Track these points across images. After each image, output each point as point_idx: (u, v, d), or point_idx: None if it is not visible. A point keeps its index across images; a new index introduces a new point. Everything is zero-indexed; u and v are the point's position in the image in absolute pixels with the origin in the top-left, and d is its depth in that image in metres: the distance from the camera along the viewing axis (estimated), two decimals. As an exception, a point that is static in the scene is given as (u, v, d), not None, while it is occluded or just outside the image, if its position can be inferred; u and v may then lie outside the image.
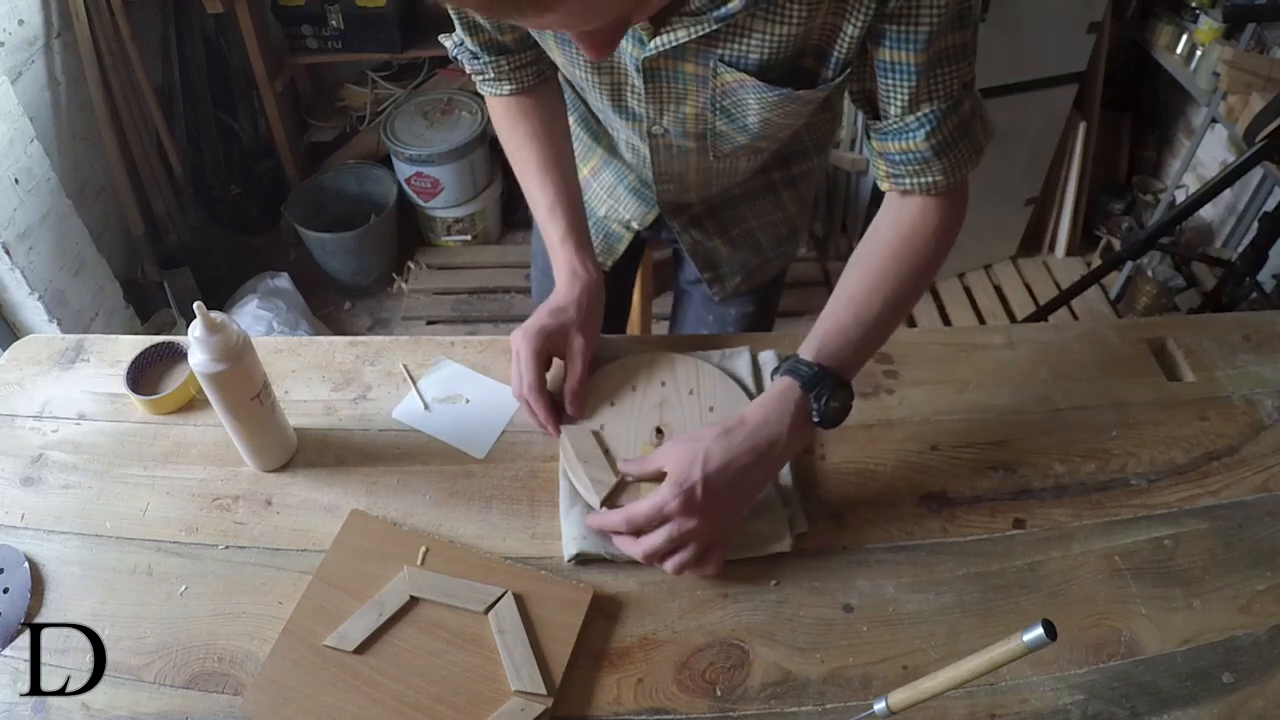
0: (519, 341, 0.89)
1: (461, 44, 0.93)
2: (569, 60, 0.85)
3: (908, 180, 0.82)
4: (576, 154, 1.09)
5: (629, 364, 0.99)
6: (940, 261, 0.86)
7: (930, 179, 0.81)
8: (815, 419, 0.80)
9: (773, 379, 0.84)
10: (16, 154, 1.88)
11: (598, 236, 1.17)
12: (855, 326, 0.82)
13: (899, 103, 0.77)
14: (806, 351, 0.81)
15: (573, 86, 1.03)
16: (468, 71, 0.96)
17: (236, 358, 0.81)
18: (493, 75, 0.94)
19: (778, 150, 1.06)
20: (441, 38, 0.97)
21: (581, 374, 0.91)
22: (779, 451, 0.79)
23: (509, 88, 0.95)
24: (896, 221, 0.84)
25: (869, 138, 0.83)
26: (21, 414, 0.98)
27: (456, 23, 0.91)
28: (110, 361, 1.03)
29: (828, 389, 0.79)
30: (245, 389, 0.84)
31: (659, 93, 0.84)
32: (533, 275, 1.40)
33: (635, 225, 1.14)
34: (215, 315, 0.80)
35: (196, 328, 0.79)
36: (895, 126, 0.79)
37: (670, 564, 0.78)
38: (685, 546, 0.78)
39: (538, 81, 0.96)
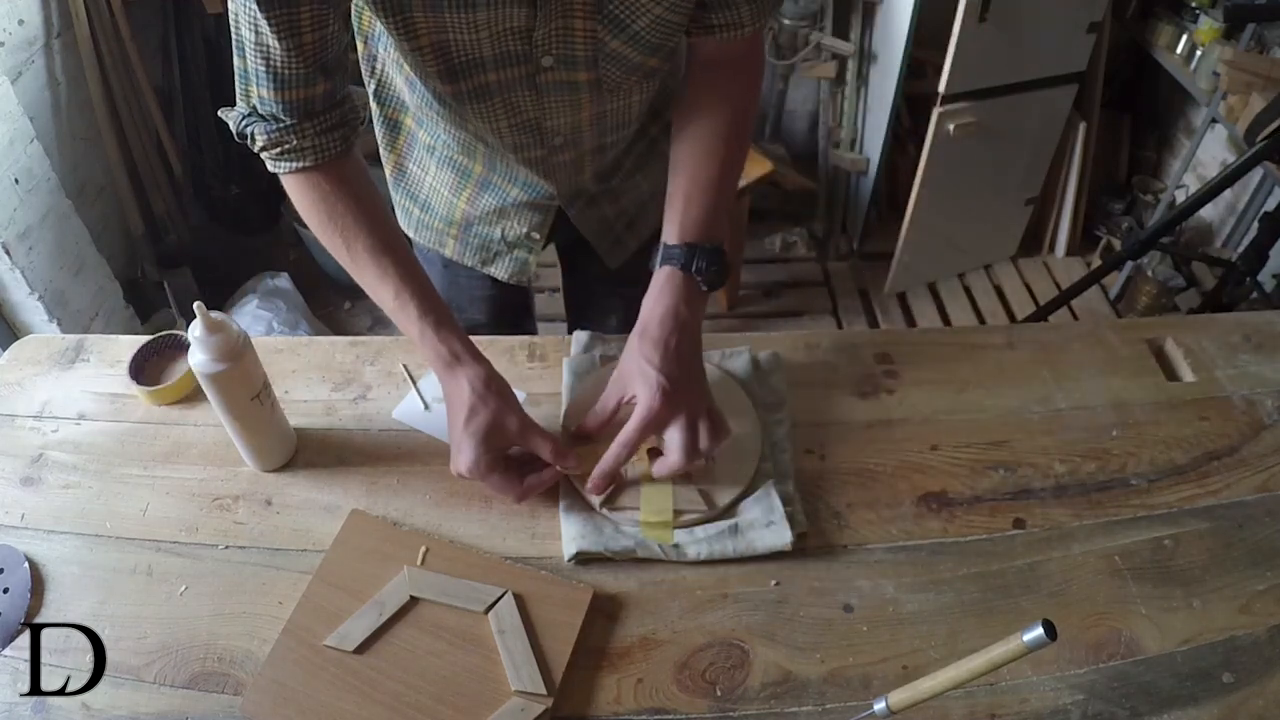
0: (474, 473, 0.83)
1: (252, 113, 0.82)
2: (446, 35, 0.79)
3: (719, 30, 0.87)
4: (449, 185, 1.07)
5: (629, 364, 0.99)
6: (754, 109, 0.96)
7: (739, 23, 0.87)
8: (703, 287, 0.89)
9: (653, 269, 0.90)
10: (16, 154, 1.88)
11: (505, 263, 1.14)
12: (701, 194, 0.90)
13: None
14: (670, 236, 0.89)
15: (434, 103, 0.95)
16: (259, 147, 0.83)
17: (236, 358, 0.81)
18: (294, 144, 0.82)
19: (651, 100, 1.03)
20: (222, 112, 0.85)
21: (556, 447, 0.86)
22: (692, 323, 0.88)
23: (311, 159, 0.83)
24: (711, 83, 0.92)
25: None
26: (21, 414, 0.98)
27: (258, 80, 0.79)
28: (110, 361, 1.03)
29: (703, 258, 0.88)
30: (245, 389, 0.84)
31: (549, 11, 0.79)
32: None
33: (536, 235, 1.10)
34: (215, 315, 0.80)
35: (196, 328, 0.79)
36: None
37: (702, 446, 0.84)
38: (692, 431, 0.83)
39: (341, 150, 0.85)
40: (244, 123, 0.82)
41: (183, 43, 2.46)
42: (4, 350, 1.09)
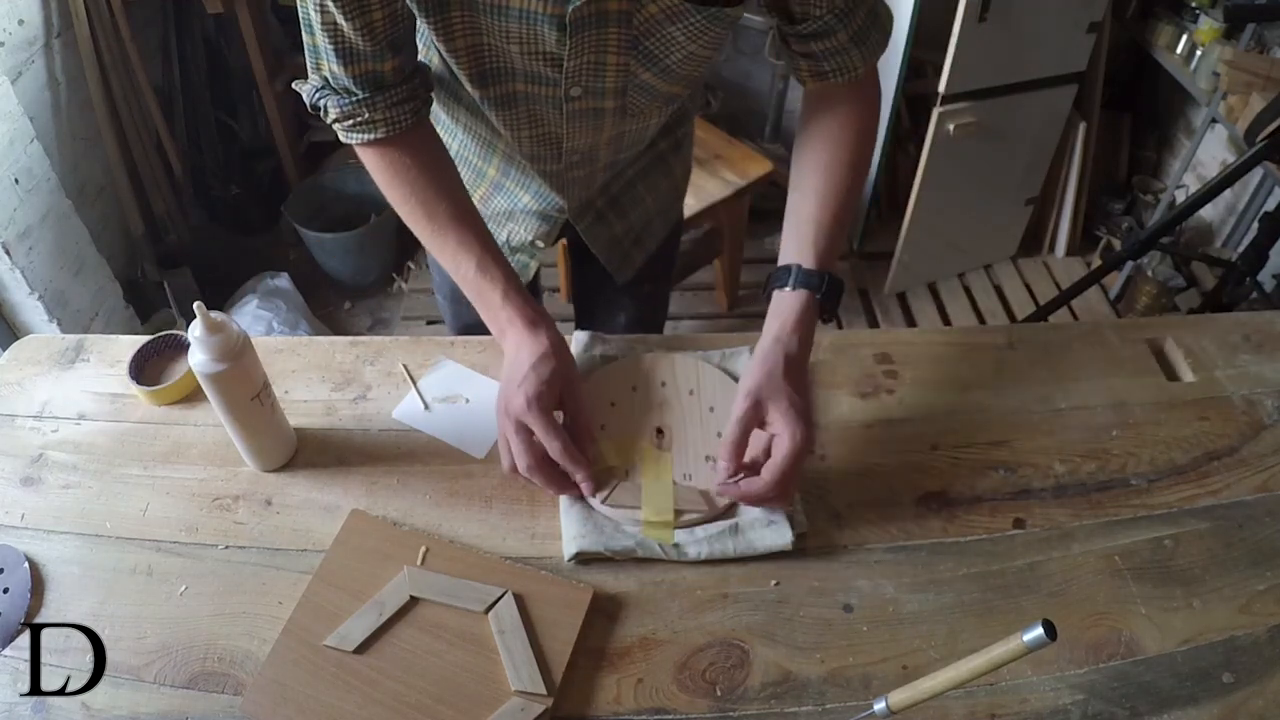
0: (533, 407, 0.81)
1: (325, 85, 0.84)
2: (481, 39, 0.80)
3: (833, 74, 0.89)
4: (465, 180, 1.07)
5: (630, 365, 0.99)
6: (873, 140, 0.95)
7: (853, 67, 0.89)
8: (825, 319, 0.90)
9: (777, 288, 0.89)
10: (16, 154, 1.88)
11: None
12: (831, 222, 0.89)
13: (823, 4, 0.82)
14: (806, 260, 0.87)
15: (459, 100, 0.97)
16: (332, 119, 0.85)
17: (236, 357, 0.81)
18: (366, 117, 0.84)
19: (666, 119, 1.04)
20: (296, 84, 0.87)
21: (587, 422, 0.87)
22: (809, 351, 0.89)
23: (383, 131, 0.85)
24: (832, 113, 0.92)
25: (786, 42, 0.88)
26: (21, 414, 0.98)
27: (328, 57, 0.80)
28: (110, 361, 1.03)
29: (832, 289, 0.88)
30: (245, 389, 0.84)
31: (581, 46, 0.80)
32: (440, 304, 1.38)
33: (540, 243, 1.11)
34: (215, 315, 0.80)
35: (196, 328, 0.79)
36: (816, 27, 0.84)
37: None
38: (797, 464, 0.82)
39: (414, 122, 0.87)
40: (317, 95, 0.84)
41: (183, 43, 2.46)
42: (4, 350, 1.09)
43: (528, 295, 0.89)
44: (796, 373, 0.84)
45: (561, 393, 0.85)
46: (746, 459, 0.84)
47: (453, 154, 1.06)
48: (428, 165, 0.88)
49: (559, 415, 0.87)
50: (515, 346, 0.87)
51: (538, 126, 0.92)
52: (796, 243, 0.89)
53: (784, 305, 0.87)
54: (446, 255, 0.89)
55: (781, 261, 0.89)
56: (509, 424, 0.83)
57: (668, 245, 1.29)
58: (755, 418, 0.83)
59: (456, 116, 1.02)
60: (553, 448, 0.82)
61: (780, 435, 0.81)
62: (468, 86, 0.87)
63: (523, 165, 1.01)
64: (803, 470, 0.83)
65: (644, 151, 1.10)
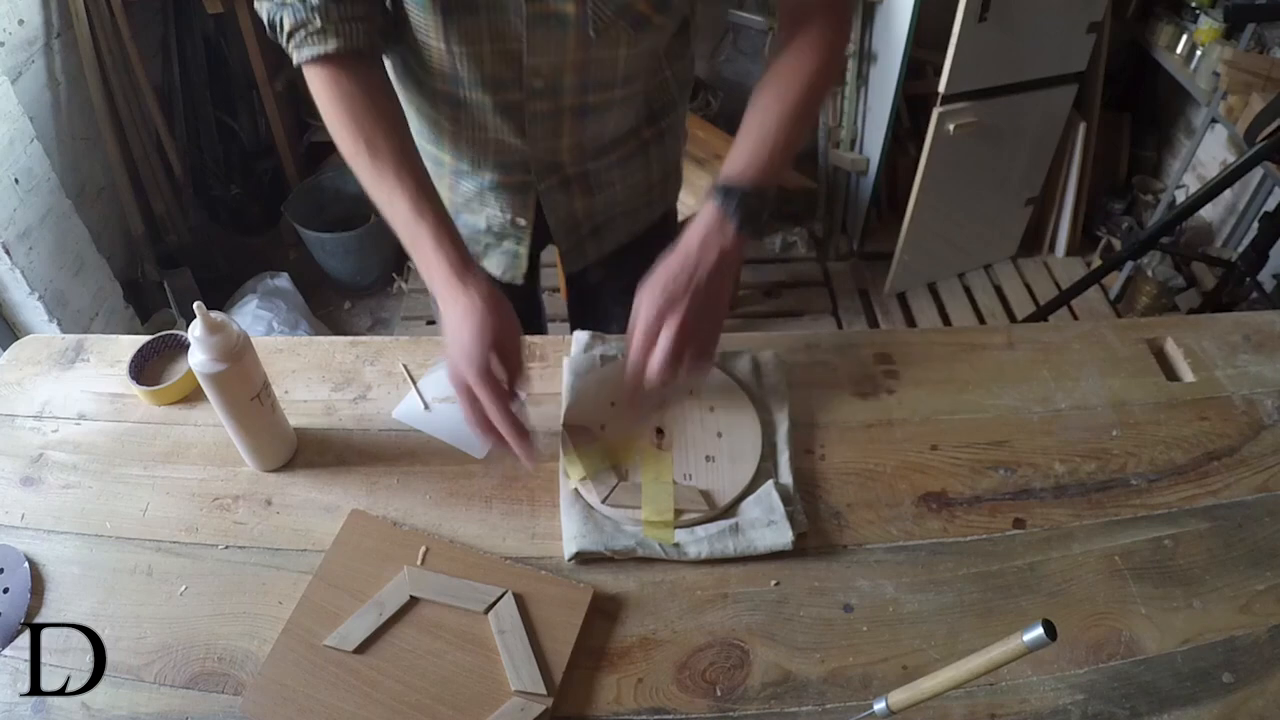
0: (470, 373, 0.80)
1: (282, 3, 0.82)
2: None
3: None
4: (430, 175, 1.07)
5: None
6: (839, 61, 0.97)
7: None
8: (738, 229, 0.87)
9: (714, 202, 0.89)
10: (16, 154, 1.88)
11: (495, 258, 1.14)
12: (759, 129, 0.89)
13: None
14: (734, 173, 0.88)
15: (416, 79, 0.96)
16: (286, 32, 0.84)
17: (237, 357, 0.81)
18: (318, 25, 0.82)
19: (645, 99, 1.03)
20: (256, 4, 0.85)
21: (514, 370, 0.85)
22: (715, 261, 0.86)
23: (334, 44, 0.83)
24: (803, 31, 0.92)
25: None
26: (21, 414, 0.98)
27: None
28: (110, 361, 1.03)
29: (739, 203, 0.86)
30: (245, 389, 0.84)
31: None
32: (434, 303, 1.37)
33: (522, 220, 1.09)
34: (215, 315, 0.80)
35: (196, 328, 0.79)
36: None
37: (668, 358, 0.83)
38: (679, 342, 0.83)
39: (366, 45, 0.85)
40: (274, 11, 0.83)
41: (183, 43, 2.46)
42: (4, 350, 1.09)
43: (459, 243, 0.86)
44: (685, 275, 0.85)
45: (496, 343, 0.82)
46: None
47: (418, 126, 1.05)
48: (375, 98, 0.86)
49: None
50: (448, 301, 0.84)
51: (498, 41, 0.88)
52: (731, 157, 0.90)
53: (704, 219, 0.88)
54: (382, 193, 0.86)
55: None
56: (455, 385, 0.82)
57: (659, 247, 1.28)
58: (653, 318, 0.85)
59: (408, 96, 1.00)
60: (493, 413, 0.81)
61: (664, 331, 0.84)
62: (429, 13, 0.86)
63: (477, 135, 0.99)
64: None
65: (626, 133, 1.07)
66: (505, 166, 1.03)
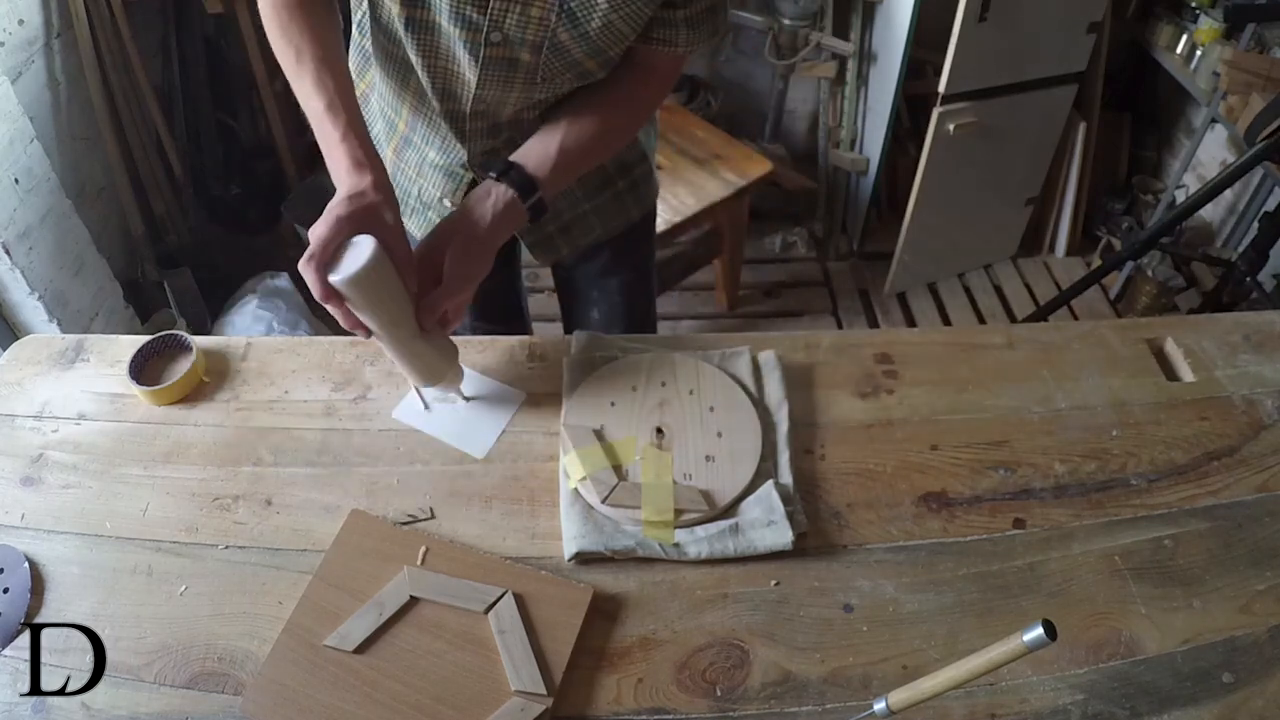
0: (323, 236, 0.80)
1: None
2: None
3: (655, 42, 0.93)
4: (383, 133, 1.10)
5: (629, 364, 0.99)
6: (644, 115, 1.06)
7: (673, 40, 0.93)
8: (524, 210, 0.91)
9: (491, 175, 0.92)
10: (16, 154, 1.88)
11: (418, 221, 1.17)
12: (554, 144, 0.93)
13: None
14: (530, 166, 0.92)
15: (383, 33, 0.99)
16: None
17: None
18: None
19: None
20: None
21: (407, 255, 0.87)
22: (490, 232, 0.90)
23: None
24: (620, 77, 0.97)
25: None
26: (21, 414, 0.98)
27: None
28: (110, 361, 1.03)
29: (525, 185, 0.91)
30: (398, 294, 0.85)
31: None
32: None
33: (448, 202, 1.11)
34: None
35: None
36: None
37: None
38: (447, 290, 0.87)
39: None
40: None
41: (183, 43, 2.46)
42: (4, 350, 1.09)
43: (367, 140, 0.88)
44: (474, 251, 0.89)
45: (355, 218, 0.82)
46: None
47: (373, 105, 1.09)
48: (310, 16, 0.91)
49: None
50: (339, 186, 0.86)
51: (452, 63, 0.93)
52: (528, 150, 0.93)
53: (491, 188, 0.91)
54: (303, 94, 0.89)
55: (511, 158, 0.93)
56: (305, 253, 0.82)
57: (632, 244, 1.28)
58: (433, 266, 0.88)
59: (377, 59, 1.03)
60: (309, 281, 0.82)
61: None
62: (394, 5, 0.89)
63: (430, 118, 1.02)
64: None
65: (599, 188, 1.14)
66: (447, 152, 1.06)
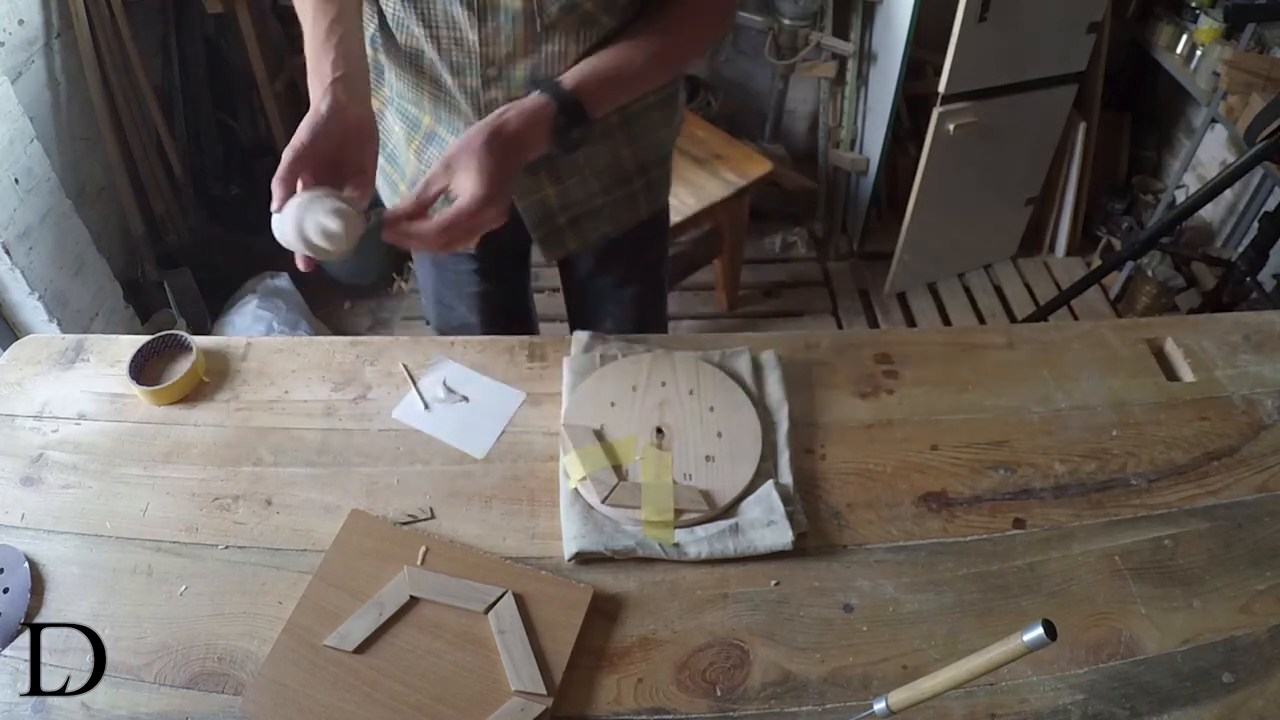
0: (294, 148, 0.81)
1: None
2: None
3: None
4: (403, 137, 1.09)
5: (629, 364, 0.99)
6: (703, 43, 1.04)
7: None
8: (557, 141, 0.89)
9: (537, 92, 0.89)
10: (16, 154, 1.88)
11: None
12: (608, 64, 0.91)
13: None
14: (570, 83, 0.89)
15: (393, 30, 0.99)
16: None
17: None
18: None
19: None
20: None
21: (360, 174, 0.86)
22: (531, 151, 0.88)
23: None
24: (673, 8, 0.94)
25: None
26: (21, 414, 0.98)
27: None
28: (110, 361, 1.03)
29: (573, 114, 0.88)
30: None
31: None
32: (425, 305, 1.38)
33: None
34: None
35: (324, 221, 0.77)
36: None
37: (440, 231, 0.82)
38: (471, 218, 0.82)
39: None
40: None
41: (183, 43, 2.46)
42: (4, 350, 1.09)
43: (350, 62, 0.87)
44: (501, 147, 0.84)
45: (341, 146, 0.83)
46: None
47: (394, 108, 1.08)
48: None
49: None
50: (311, 104, 0.86)
51: (453, 29, 0.93)
52: (573, 71, 0.91)
53: (525, 100, 0.88)
54: (306, 24, 0.89)
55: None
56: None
57: (646, 246, 1.28)
58: (444, 178, 0.84)
59: (392, 57, 1.03)
60: (277, 192, 0.81)
61: (461, 194, 0.83)
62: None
63: (450, 101, 1.01)
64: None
65: (616, 184, 1.12)
66: None
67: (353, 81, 0.86)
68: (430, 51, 0.96)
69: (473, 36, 0.92)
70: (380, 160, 1.14)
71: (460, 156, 0.84)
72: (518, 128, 0.86)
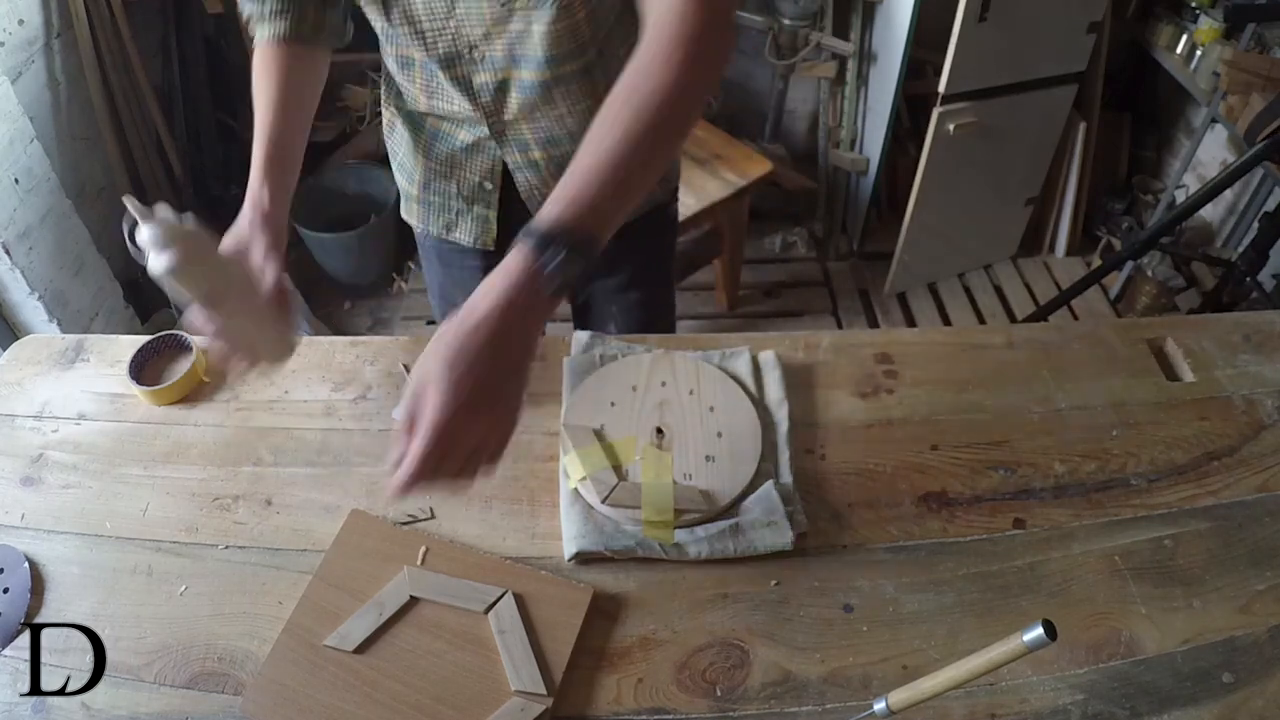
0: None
1: None
2: None
3: None
4: (411, 142, 1.11)
5: (629, 364, 0.99)
6: (700, 87, 0.76)
7: None
8: (545, 288, 0.69)
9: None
10: (16, 154, 1.88)
11: (466, 224, 1.14)
12: (587, 167, 0.72)
13: None
14: (556, 209, 0.70)
15: (390, 42, 1.01)
16: (245, 15, 0.96)
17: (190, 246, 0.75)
18: (274, 8, 0.93)
19: (597, 80, 1.00)
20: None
21: (277, 278, 0.91)
22: (517, 325, 0.69)
23: (283, 26, 0.93)
24: (659, 35, 0.75)
25: None
26: (21, 414, 0.98)
27: None
28: (110, 361, 1.03)
29: (557, 249, 0.68)
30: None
31: None
32: (433, 305, 1.39)
33: (489, 184, 1.08)
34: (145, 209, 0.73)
35: (142, 230, 0.72)
36: None
37: (449, 470, 0.68)
38: (458, 447, 0.67)
39: (313, 31, 0.95)
40: (240, 5, 0.96)
41: (183, 43, 2.46)
42: (4, 350, 1.09)
43: (275, 192, 0.93)
44: (459, 344, 0.67)
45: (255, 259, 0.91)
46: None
47: (402, 116, 1.10)
48: (296, 69, 0.95)
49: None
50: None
51: (433, 20, 0.94)
52: (555, 196, 0.72)
53: (498, 268, 0.70)
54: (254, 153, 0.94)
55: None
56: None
57: (654, 247, 1.28)
58: (413, 403, 0.68)
59: (393, 71, 1.05)
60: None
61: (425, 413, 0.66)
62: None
63: (446, 93, 1.02)
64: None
65: (584, 114, 1.03)
66: (472, 127, 1.05)
67: (277, 195, 0.93)
68: (419, 53, 0.97)
69: (450, 24, 0.93)
70: (401, 179, 1.18)
71: (415, 372, 0.69)
72: (484, 310, 0.68)
